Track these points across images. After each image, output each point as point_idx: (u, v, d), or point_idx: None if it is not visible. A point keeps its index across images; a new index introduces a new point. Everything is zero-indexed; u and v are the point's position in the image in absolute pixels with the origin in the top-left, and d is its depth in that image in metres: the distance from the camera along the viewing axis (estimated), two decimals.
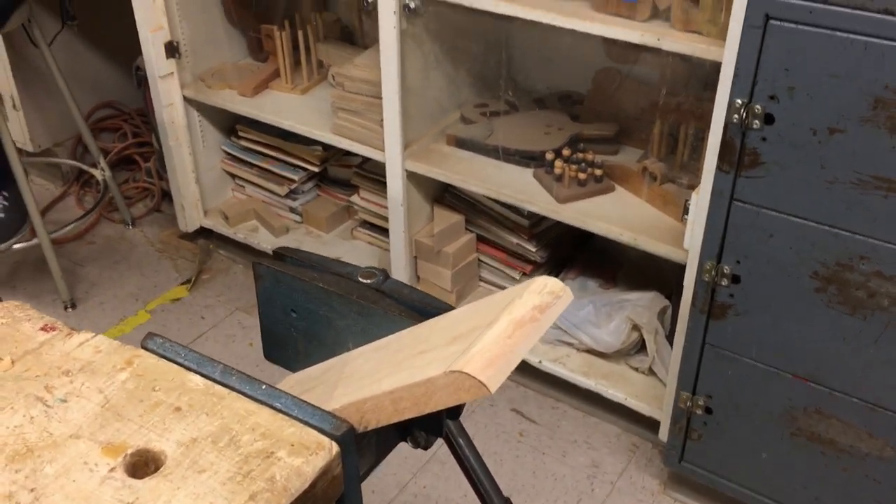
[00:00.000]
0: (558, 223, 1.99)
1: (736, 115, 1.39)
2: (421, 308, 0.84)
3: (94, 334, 0.80)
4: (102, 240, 2.64)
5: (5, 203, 2.19)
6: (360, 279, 0.88)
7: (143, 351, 0.78)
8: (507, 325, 0.67)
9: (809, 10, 1.26)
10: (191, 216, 2.45)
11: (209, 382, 0.75)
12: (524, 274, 2.10)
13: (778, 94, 1.34)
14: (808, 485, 1.63)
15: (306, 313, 0.90)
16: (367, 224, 2.33)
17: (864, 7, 1.23)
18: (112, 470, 0.67)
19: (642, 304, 1.95)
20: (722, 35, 1.45)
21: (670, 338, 1.87)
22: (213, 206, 2.48)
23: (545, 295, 0.71)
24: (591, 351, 2.00)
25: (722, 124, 1.43)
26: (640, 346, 1.99)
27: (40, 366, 0.77)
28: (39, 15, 2.30)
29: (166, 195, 2.63)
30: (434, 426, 0.87)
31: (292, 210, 2.41)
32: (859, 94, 1.28)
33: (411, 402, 0.66)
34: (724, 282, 1.54)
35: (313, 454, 0.67)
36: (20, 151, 2.26)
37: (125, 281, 2.47)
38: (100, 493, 0.65)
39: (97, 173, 2.56)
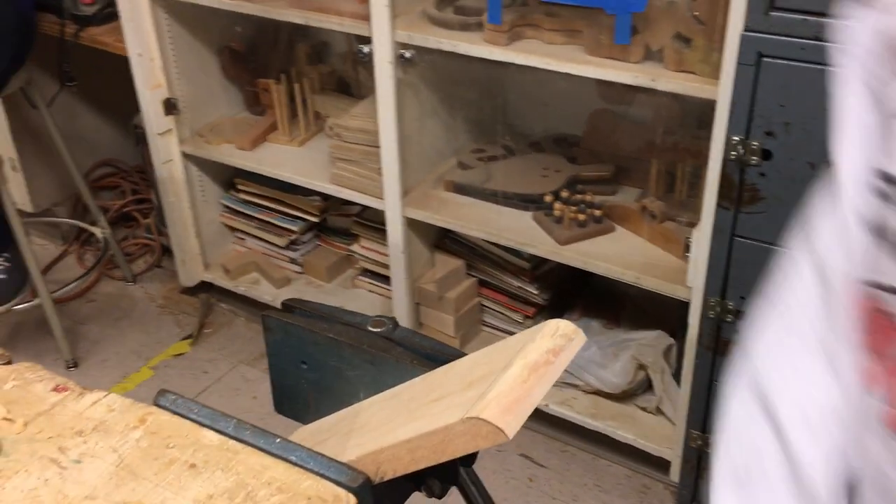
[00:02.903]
0: (559, 265, 1.99)
1: (733, 152, 1.40)
2: (432, 355, 0.84)
3: (105, 393, 0.79)
4: (104, 297, 2.64)
5: (6, 264, 2.19)
6: (370, 328, 0.88)
7: (155, 408, 0.77)
8: (521, 370, 0.67)
9: (801, 46, 1.29)
10: (192, 270, 2.45)
11: (223, 438, 0.74)
12: (527, 317, 2.10)
13: (774, 130, 1.36)
14: None
15: (317, 364, 0.90)
16: (367, 272, 2.33)
17: None
18: None
19: (647, 343, 1.95)
20: (715, 74, 1.47)
21: (677, 376, 1.87)
22: (214, 259, 2.49)
23: (558, 338, 0.71)
24: (598, 392, 1.99)
25: (720, 161, 1.44)
26: (647, 386, 1.98)
27: (53, 427, 0.76)
28: (38, 77, 2.32)
29: (166, 251, 2.63)
30: (449, 474, 0.86)
31: (293, 261, 2.42)
32: None
33: (429, 450, 0.66)
34: (730, 318, 1.54)
35: None
36: (20, 212, 2.27)
37: (127, 338, 2.46)
38: None
39: (97, 231, 2.56)
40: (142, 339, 2.46)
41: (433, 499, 0.95)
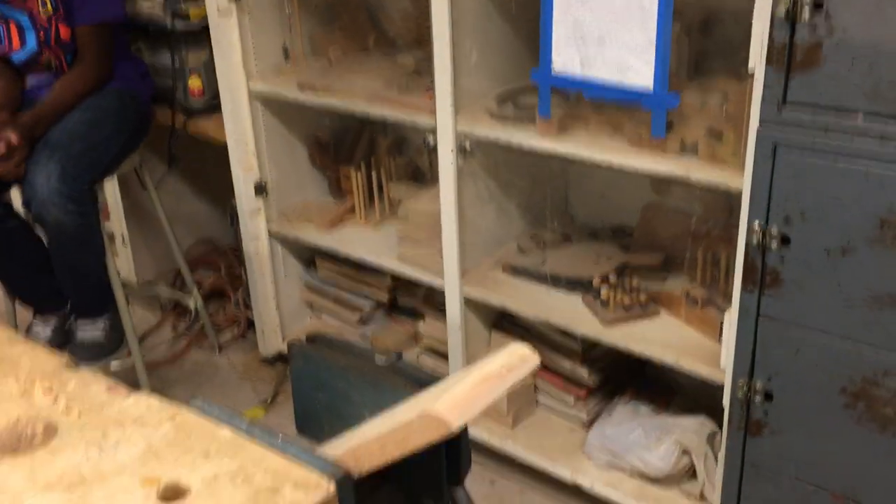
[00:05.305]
0: (612, 350, 2.07)
1: (755, 238, 1.49)
2: (425, 382, 0.96)
3: (147, 395, 0.95)
4: (191, 364, 2.85)
5: (108, 322, 2.41)
6: (377, 358, 1.01)
7: (185, 408, 0.92)
8: (475, 379, 0.78)
9: (813, 137, 1.38)
10: (270, 341, 2.64)
11: (236, 434, 0.88)
12: (578, 398, 2.17)
13: (791, 217, 1.44)
14: None
15: (330, 389, 1.03)
16: (431, 350, 2.45)
17: (864, 133, 1.34)
18: (147, 497, 0.80)
19: (691, 429, 1.99)
20: (742, 165, 1.57)
21: None
22: (292, 332, 2.66)
23: (513, 357, 0.83)
24: (643, 476, 2.03)
25: (744, 247, 1.53)
26: (692, 472, 2.00)
27: (101, 418, 0.91)
28: (149, 160, 2.61)
29: (251, 324, 2.83)
30: (439, 492, 0.97)
31: (363, 337, 2.57)
32: (865, 216, 1.37)
33: (394, 444, 0.77)
34: (758, 398, 1.59)
35: (313, 491, 0.79)
36: (124, 282, 2.51)
37: None
38: None
39: (190, 302, 2.79)
40: (221, 403, 2.62)
41: None
